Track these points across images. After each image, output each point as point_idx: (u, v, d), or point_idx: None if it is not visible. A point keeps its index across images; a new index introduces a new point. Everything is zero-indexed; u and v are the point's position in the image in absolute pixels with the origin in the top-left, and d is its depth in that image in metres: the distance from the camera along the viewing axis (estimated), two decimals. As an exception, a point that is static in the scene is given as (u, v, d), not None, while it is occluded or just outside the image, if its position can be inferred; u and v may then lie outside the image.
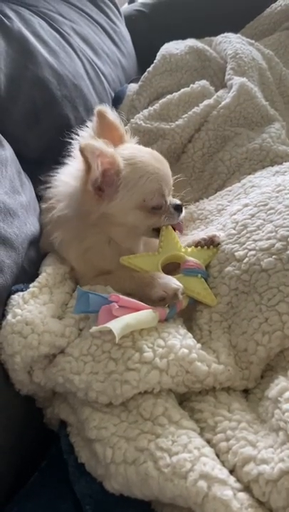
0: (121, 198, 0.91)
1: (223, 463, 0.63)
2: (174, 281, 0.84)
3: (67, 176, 0.96)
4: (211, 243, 0.93)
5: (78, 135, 0.99)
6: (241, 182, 1.13)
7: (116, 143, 0.97)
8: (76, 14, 1.71)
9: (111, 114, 1.00)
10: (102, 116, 0.99)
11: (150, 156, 0.96)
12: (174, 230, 0.98)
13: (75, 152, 0.94)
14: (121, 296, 0.77)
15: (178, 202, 1.00)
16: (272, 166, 1.20)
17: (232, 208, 1.01)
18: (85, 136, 0.99)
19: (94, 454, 0.69)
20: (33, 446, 0.87)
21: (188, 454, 0.62)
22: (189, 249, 0.93)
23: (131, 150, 0.97)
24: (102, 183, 0.89)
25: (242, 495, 0.59)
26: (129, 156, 0.93)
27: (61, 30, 1.50)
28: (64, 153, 1.02)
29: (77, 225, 0.93)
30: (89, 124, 1.01)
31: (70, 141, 0.99)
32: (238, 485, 0.60)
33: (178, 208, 0.99)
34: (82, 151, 0.84)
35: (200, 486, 0.58)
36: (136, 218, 0.94)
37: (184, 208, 1.01)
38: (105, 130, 0.99)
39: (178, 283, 0.84)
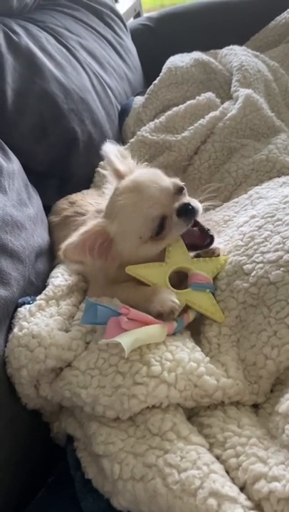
0: (123, 248, 0.89)
1: (233, 480, 0.62)
2: (171, 298, 0.82)
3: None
4: (211, 255, 0.91)
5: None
6: (248, 193, 1.12)
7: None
8: (83, 29, 1.73)
9: (106, 153, 1.01)
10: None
11: (126, 193, 0.90)
12: (196, 246, 0.93)
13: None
14: (131, 308, 0.77)
15: (181, 204, 0.89)
16: (279, 177, 1.19)
17: (239, 219, 1.01)
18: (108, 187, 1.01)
19: (101, 470, 0.68)
20: (40, 461, 0.87)
21: (197, 470, 0.61)
22: (197, 260, 0.91)
23: (110, 199, 0.95)
24: (104, 252, 0.89)
25: (253, 513, 0.57)
26: (111, 209, 0.93)
27: (68, 45, 1.52)
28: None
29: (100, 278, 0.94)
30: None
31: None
32: (248, 503, 0.58)
33: (182, 212, 0.89)
34: (65, 258, 0.85)
35: (210, 503, 0.57)
36: (146, 251, 0.90)
37: (197, 205, 0.90)
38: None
39: (175, 299, 0.82)
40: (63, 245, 0.85)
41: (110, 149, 1.02)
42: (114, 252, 0.89)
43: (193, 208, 0.89)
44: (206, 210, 0.99)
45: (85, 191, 1.28)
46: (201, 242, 0.92)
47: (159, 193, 0.89)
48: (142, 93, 1.77)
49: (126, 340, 0.70)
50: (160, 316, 0.81)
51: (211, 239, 0.91)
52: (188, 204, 0.89)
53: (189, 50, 1.84)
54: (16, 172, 1.02)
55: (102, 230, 0.89)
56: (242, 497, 0.59)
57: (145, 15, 2.69)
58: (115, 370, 0.73)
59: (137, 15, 2.80)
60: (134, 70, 1.97)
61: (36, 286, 0.94)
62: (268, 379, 0.74)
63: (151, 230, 0.88)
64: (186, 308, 0.85)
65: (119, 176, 0.98)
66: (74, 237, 0.86)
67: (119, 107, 1.69)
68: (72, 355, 0.79)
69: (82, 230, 0.88)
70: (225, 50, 1.75)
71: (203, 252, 0.92)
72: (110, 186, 1.01)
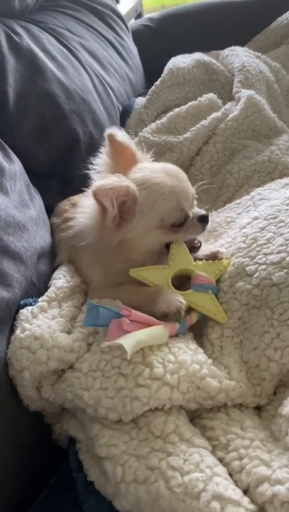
0: (138, 222, 0.89)
1: (236, 483, 0.62)
2: (177, 298, 0.82)
3: (84, 211, 0.95)
4: (214, 258, 0.92)
5: (93, 164, 0.98)
6: (250, 194, 1.12)
7: (129, 163, 0.97)
8: (84, 30, 1.73)
9: (120, 136, 0.98)
10: (112, 138, 0.97)
11: (164, 174, 0.93)
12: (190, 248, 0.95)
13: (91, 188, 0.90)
14: (132, 310, 0.76)
15: (202, 212, 0.96)
16: (281, 178, 1.19)
17: (241, 220, 1.01)
18: (99, 163, 0.98)
19: (103, 472, 0.68)
20: (42, 463, 0.86)
21: (200, 473, 0.61)
22: (200, 263, 0.91)
23: (143, 172, 0.94)
24: (120, 215, 0.87)
25: (256, 517, 0.57)
26: (143, 179, 0.91)
27: (69, 46, 1.52)
28: (72, 168, 1.02)
29: (98, 252, 0.93)
30: (102, 149, 0.99)
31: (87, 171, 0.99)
32: (252, 506, 0.58)
33: (203, 219, 0.95)
34: (95, 195, 0.83)
35: (213, 507, 0.57)
36: (155, 238, 0.92)
37: (210, 218, 0.97)
38: (118, 152, 0.98)
39: (181, 300, 0.82)
40: (100, 183, 0.84)
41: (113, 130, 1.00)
42: (126, 223, 0.89)
43: (208, 220, 0.97)
44: None
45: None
46: (192, 242, 0.97)
47: (191, 193, 0.96)
48: (143, 94, 1.77)
49: (128, 342, 0.70)
50: (165, 317, 0.81)
51: (200, 242, 0.98)
52: (208, 215, 0.97)
53: (191, 50, 1.84)
54: (17, 173, 1.02)
55: (135, 195, 0.88)
56: (245, 500, 0.59)
57: (146, 15, 2.69)
58: (118, 372, 0.73)
59: (138, 15, 2.80)
60: (135, 71, 1.97)
61: (38, 288, 0.93)
62: (271, 381, 0.74)
63: (176, 218, 0.91)
64: (189, 310, 0.85)
65: (121, 149, 0.97)
66: (112, 180, 0.85)
67: (120, 108, 1.69)
68: (74, 357, 0.79)
69: (123, 179, 0.87)
70: (226, 51, 1.76)
71: (206, 257, 0.93)
72: (102, 163, 0.98)
